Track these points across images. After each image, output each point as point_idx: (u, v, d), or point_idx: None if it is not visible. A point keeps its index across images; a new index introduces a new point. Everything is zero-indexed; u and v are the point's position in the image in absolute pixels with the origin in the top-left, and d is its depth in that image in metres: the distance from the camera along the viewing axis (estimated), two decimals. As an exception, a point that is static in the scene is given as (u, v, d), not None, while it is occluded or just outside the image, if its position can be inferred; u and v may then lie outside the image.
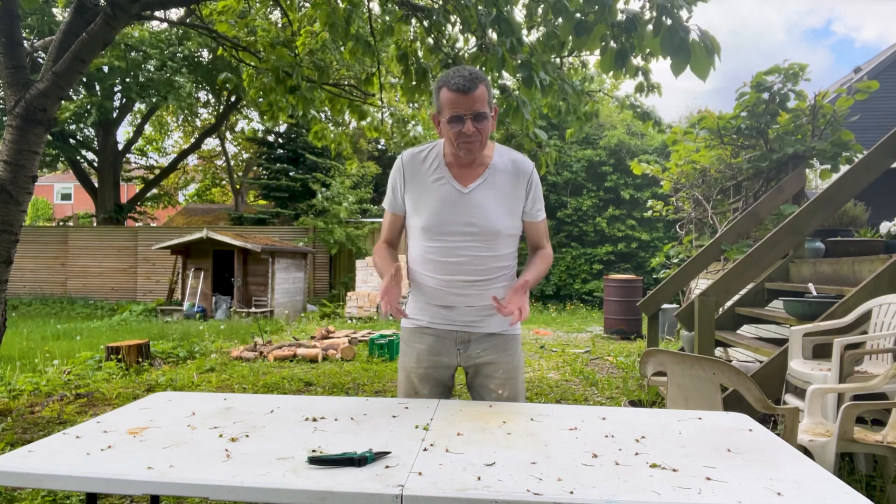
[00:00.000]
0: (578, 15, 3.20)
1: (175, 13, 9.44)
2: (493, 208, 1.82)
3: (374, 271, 12.72)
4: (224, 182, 29.03)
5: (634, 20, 3.08)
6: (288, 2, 5.45)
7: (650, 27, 2.96)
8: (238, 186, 23.98)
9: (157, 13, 4.94)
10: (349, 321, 11.42)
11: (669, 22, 2.85)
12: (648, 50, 3.50)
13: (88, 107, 15.90)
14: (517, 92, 4.27)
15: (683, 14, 2.87)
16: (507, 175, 1.85)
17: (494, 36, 3.86)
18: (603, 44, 3.31)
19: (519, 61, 3.71)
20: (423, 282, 1.90)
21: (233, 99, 19.39)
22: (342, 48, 5.36)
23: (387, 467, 1.25)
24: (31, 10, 12.97)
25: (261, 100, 5.41)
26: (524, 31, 4.55)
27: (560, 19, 3.36)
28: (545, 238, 1.98)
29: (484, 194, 1.82)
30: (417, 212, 1.86)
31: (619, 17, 3.15)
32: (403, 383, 1.98)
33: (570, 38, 3.31)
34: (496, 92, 4.58)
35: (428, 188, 1.84)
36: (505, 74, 4.22)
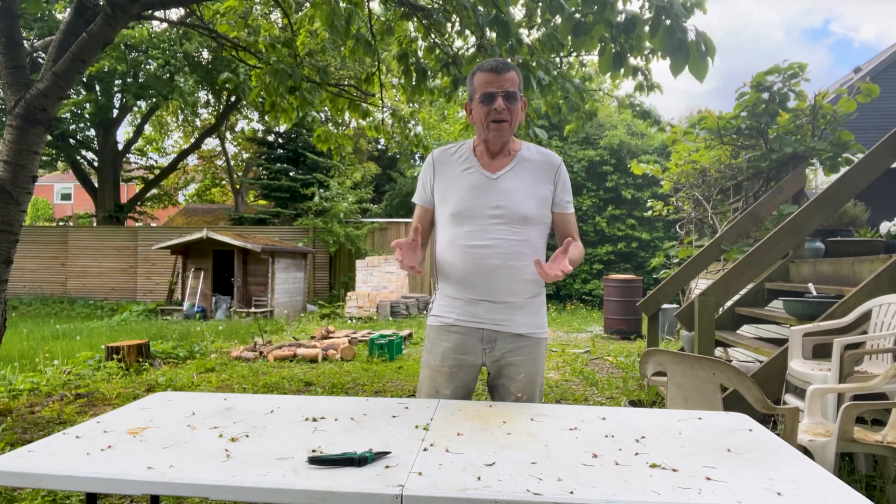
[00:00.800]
0: (577, 16, 3.21)
1: (175, 13, 9.44)
2: (520, 194, 1.86)
3: (374, 271, 12.72)
4: (224, 182, 29.03)
5: (633, 21, 3.08)
6: (287, 2, 5.44)
7: (647, 27, 2.96)
8: (238, 186, 23.98)
9: (157, 13, 4.94)
10: (349, 321, 11.42)
11: (668, 22, 2.85)
12: (648, 49, 3.50)
13: (86, 105, 15.89)
14: None
15: (682, 16, 2.88)
16: (535, 164, 1.92)
17: (494, 36, 3.86)
18: (602, 44, 3.32)
19: (518, 61, 3.71)
20: (451, 272, 1.89)
21: (233, 99, 19.39)
22: (342, 48, 5.36)
23: (387, 467, 1.25)
24: (33, 15, 12.94)
25: (262, 100, 5.40)
26: (524, 31, 4.55)
27: (558, 18, 3.37)
28: (575, 232, 2.00)
29: (512, 180, 1.88)
30: (446, 200, 1.90)
31: (619, 17, 3.15)
32: (426, 383, 1.96)
33: (570, 38, 3.31)
34: None
35: (457, 177, 1.89)
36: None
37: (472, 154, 1.92)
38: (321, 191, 15.33)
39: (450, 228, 1.89)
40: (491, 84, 1.80)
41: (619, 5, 3.19)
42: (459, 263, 1.86)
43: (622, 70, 3.47)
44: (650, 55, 4.46)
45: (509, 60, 1.86)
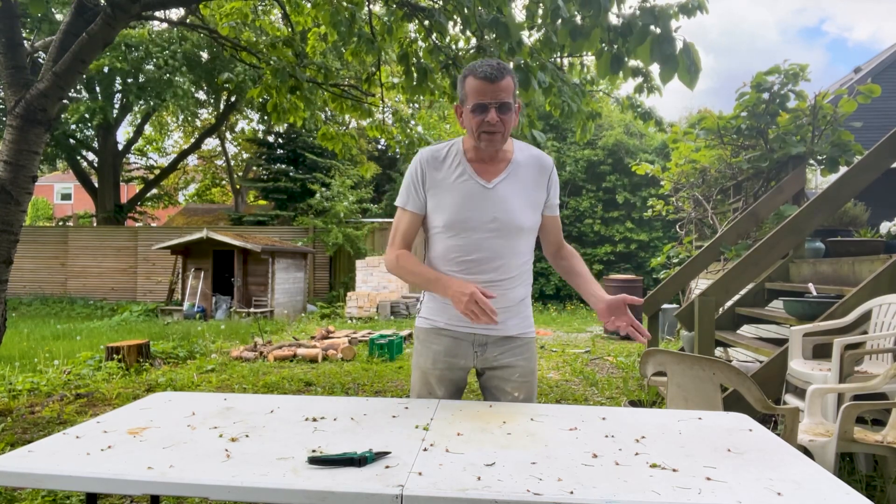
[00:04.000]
0: (575, 19, 3.21)
1: (175, 13, 9.44)
2: (516, 203, 1.81)
3: (374, 271, 12.70)
4: (224, 182, 29.03)
5: (630, 25, 3.09)
6: (292, 4, 5.44)
7: (639, 34, 2.98)
8: (238, 187, 23.98)
9: (157, 13, 4.94)
10: (349, 321, 11.42)
11: (658, 31, 2.87)
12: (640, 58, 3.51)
13: (93, 110, 15.85)
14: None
15: (672, 24, 2.90)
16: (529, 169, 1.85)
17: (494, 37, 3.86)
18: (602, 45, 3.32)
19: (521, 63, 3.71)
20: None
21: (233, 99, 19.40)
22: (343, 49, 5.36)
23: (387, 467, 1.25)
24: (34, 16, 12.94)
25: (264, 100, 5.40)
26: (525, 32, 4.55)
27: (558, 22, 3.37)
28: (560, 232, 2.00)
29: (508, 189, 1.81)
30: (440, 209, 1.81)
31: (615, 21, 3.15)
32: (418, 384, 1.94)
33: (568, 41, 3.31)
34: None
35: (450, 185, 1.81)
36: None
37: (463, 158, 1.82)
38: (323, 189, 15.32)
39: (443, 239, 1.83)
40: (485, 94, 1.69)
41: (615, 9, 3.19)
42: (453, 275, 1.81)
43: (621, 73, 3.47)
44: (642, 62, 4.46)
45: (504, 63, 1.76)
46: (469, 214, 1.78)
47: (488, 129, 1.72)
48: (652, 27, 2.86)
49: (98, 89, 16.63)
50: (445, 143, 1.89)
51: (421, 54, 4.96)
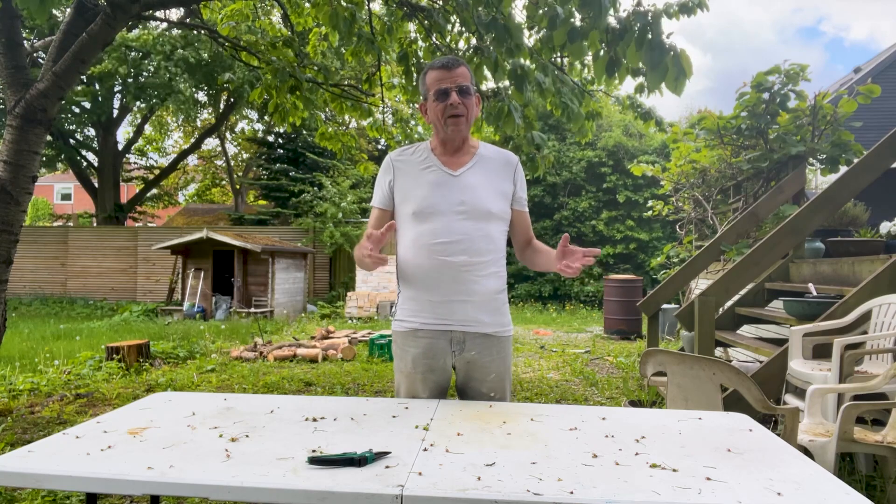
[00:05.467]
0: (573, 20, 3.22)
1: (175, 13, 9.44)
2: (483, 190, 1.87)
3: (374, 271, 12.69)
4: (224, 182, 29.04)
5: (625, 28, 3.10)
6: (292, 4, 5.44)
7: (629, 37, 2.99)
8: (238, 187, 23.99)
9: (157, 13, 4.94)
10: (349, 321, 11.42)
11: (650, 37, 2.88)
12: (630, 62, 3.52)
13: (84, 103, 15.79)
14: (510, 93, 4.28)
15: (664, 28, 2.92)
16: (494, 161, 1.94)
17: (493, 37, 3.86)
18: (600, 46, 3.33)
19: (518, 68, 3.71)
20: (415, 272, 1.86)
21: (233, 99, 19.40)
22: (343, 49, 5.36)
23: (387, 467, 1.25)
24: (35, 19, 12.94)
25: (266, 99, 5.40)
26: (525, 33, 4.55)
27: (556, 25, 3.37)
28: (531, 229, 2.04)
29: (474, 176, 1.88)
30: (408, 198, 1.87)
31: (612, 23, 3.16)
32: (402, 388, 1.95)
33: (566, 42, 3.32)
34: (491, 94, 4.59)
35: (418, 176, 1.88)
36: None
37: (430, 153, 1.91)
38: (314, 189, 15.30)
39: (412, 227, 1.86)
40: (443, 80, 1.81)
41: (612, 12, 3.20)
42: (424, 262, 1.84)
43: (616, 76, 3.48)
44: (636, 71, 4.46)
45: (459, 57, 1.85)
46: (436, 200, 1.84)
47: (453, 113, 1.82)
48: (641, 30, 2.88)
49: (98, 87, 16.61)
50: (413, 144, 1.98)
51: (421, 54, 4.96)
